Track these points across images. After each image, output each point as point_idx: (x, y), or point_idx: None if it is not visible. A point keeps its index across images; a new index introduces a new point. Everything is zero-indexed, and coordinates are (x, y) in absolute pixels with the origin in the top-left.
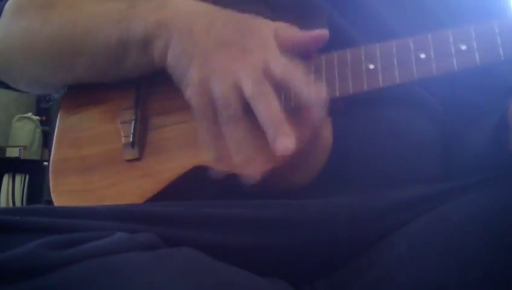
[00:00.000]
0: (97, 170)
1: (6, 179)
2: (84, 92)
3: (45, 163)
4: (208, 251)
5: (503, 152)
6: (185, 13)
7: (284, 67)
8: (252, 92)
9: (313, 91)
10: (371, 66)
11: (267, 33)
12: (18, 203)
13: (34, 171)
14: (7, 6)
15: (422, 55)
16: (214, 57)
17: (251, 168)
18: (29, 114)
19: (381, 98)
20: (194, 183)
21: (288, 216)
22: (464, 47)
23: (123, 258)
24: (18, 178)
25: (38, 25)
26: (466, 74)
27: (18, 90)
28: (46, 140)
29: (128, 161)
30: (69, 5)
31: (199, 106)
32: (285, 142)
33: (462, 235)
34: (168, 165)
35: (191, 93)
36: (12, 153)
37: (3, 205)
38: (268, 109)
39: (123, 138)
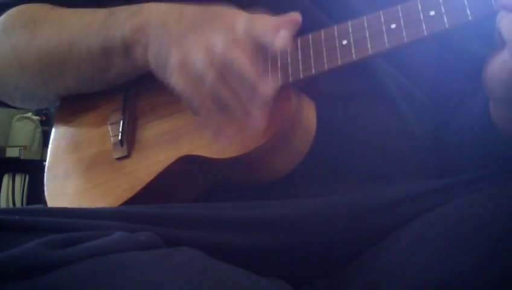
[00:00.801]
0: (88, 172)
1: (6, 179)
2: (78, 101)
3: (45, 163)
4: (208, 251)
5: (494, 129)
6: (158, 13)
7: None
8: (223, 49)
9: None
10: (344, 42)
11: (237, 16)
12: (18, 203)
13: (34, 171)
14: None
15: (393, 26)
16: (188, 39)
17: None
18: (29, 114)
19: (371, 92)
20: (182, 176)
21: (288, 216)
22: (432, 12)
23: (123, 258)
24: (18, 178)
25: (25, 42)
26: (448, 61)
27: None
28: (46, 140)
29: (118, 159)
30: (52, 21)
31: (187, 86)
32: (268, 84)
33: (462, 234)
34: (155, 159)
35: (175, 78)
36: (12, 153)
37: (3, 205)
38: (242, 61)
39: (112, 138)
